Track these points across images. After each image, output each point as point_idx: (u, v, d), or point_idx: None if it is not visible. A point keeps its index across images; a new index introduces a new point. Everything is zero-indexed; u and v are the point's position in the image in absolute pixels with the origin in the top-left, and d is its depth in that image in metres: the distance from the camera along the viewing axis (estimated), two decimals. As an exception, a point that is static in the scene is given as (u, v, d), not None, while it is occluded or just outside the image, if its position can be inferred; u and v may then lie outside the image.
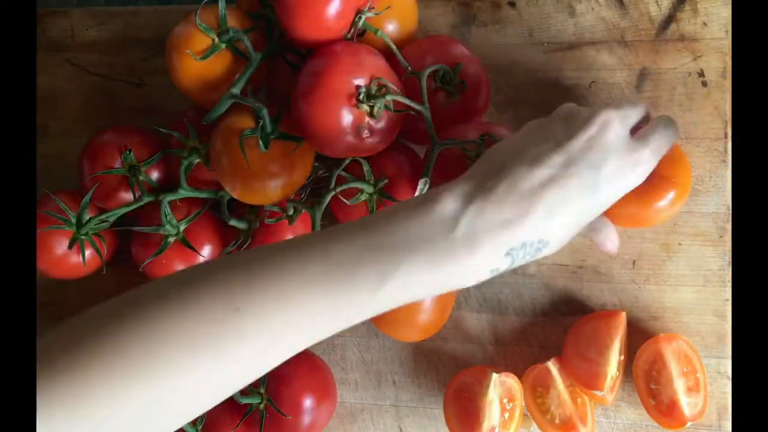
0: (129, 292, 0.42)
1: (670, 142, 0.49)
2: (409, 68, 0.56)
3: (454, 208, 0.42)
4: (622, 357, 0.57)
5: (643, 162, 0.46)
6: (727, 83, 0.57)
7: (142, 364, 0.39)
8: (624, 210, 0.52)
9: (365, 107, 0.53)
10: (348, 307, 0.42)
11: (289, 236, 0.60)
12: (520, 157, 0.44)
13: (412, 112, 0.55)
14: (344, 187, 0.57)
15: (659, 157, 0.47)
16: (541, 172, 0.43)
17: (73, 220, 0.62)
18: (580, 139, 0.45)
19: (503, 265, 0.43)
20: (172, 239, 0.61)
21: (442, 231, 0.42)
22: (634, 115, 0.49)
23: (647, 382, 0.56)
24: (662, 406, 0.55)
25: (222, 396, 0.42)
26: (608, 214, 0.53)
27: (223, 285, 0.41)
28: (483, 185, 0.43)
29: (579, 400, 0.58)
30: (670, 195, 0.53)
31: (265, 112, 0.55)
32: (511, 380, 0.58)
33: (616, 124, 0.46)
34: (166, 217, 0.60)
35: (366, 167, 0.57)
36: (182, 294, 0.41)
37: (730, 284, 0.57)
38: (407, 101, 0.54)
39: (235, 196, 0.58)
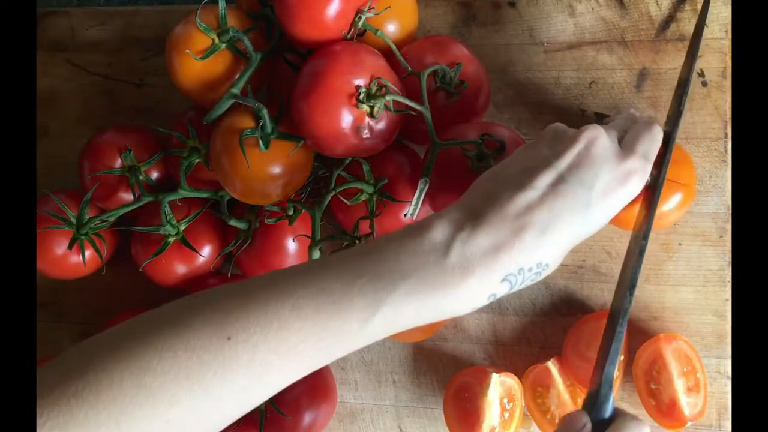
0: (127, 321, 0.43)
1: (657, 142, 0.48)
2: (409, 68, 0.56)
3: (446, 235, 0.42)
4: (622, 357, 0.57)
5: (635, 171, 0.45)
6: (727, 83, 0.57)
7: (135, 397, 0.39)
8: (630, 214, 0.52)
9: (365, 107, 0.53)
10: (339, 335, 0.42)
11: (290, 236, 0.60)
12: (508, 182, 0.44)
13: (412, 112, 0.55)
14: (344, 187, 0.57)
15: (651, 162, 0.47)
16: (528, 195, 0.43)
17: (73, 220, 0.62)
18: (569, 155, 0.45)
19: (501, 290, 0.43)
20: (172, 239, 0.61)
21: (434, 258, 0.42)
22: (620, 126, 0.49)
23: (647, 382, 0.56)
24: (662, 406, 0.56)
25: (218, 426, 0.42)
26: (615, 218, 0.53)
27: (219, 313, 0.41)
28: (473, 212, 0.43)
29: (579, 400, 0.57)
30: (677, 198, 0.53)
31: (265, 112, 0.55)
32: (511, 380, 0.58)
33: (603, 137, 0.45)
34: (166, 217, 0.60)
35: (366, 167, 0.57)
36: (178, 323, 0.41)
37: (730, 284, 0.57)
38: (407, 101, 0.54)
39: (235, 196, 0.58)
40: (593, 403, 0.44)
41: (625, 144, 0.47)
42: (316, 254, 0.55)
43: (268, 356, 0.41)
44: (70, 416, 0.38)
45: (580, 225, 0.44)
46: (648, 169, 0.46)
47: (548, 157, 0.45)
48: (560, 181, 0.44)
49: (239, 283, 0.44)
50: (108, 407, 0.38)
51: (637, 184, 0.45)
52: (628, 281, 0.47)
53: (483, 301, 0.43)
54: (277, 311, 0.41)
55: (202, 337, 0.40)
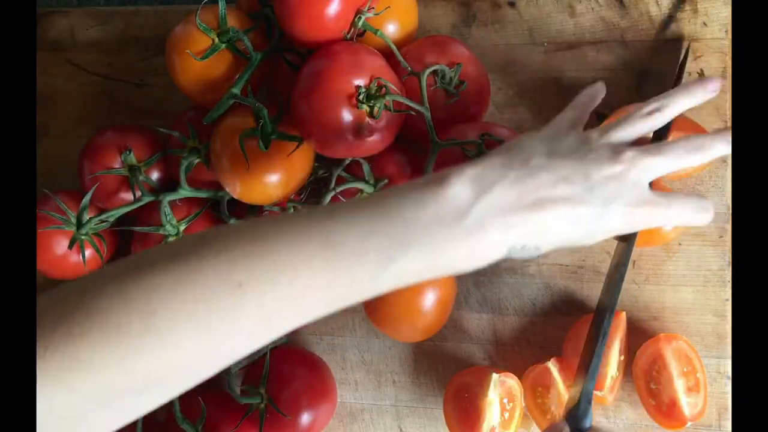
0: (135, 255, 0.42)
1: (692, 220, 0.47)
2: (409, 68, 0.56)
3: (467, 197, 0.42)
4: (622, 357, 0.57)
5: (655, 215, 0.45)
6: (727, 83, 0.57)
7: (142, 339, 0.39)
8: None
9: (365, 107, 0.53)
10: (348, 287, 0.42)
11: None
12: (539, 165, 0.44)
13: (412, 112, 0.55)
14: (344, 187, 0.57)
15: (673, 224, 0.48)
16: (562, 190, 0.43)
17: (73, 220, 0.62)
18: (605, 171, 0.44)
19: (500, 256, 0.43)
20: (172, 239, 0.61)
21: (452, 219, 0.41)
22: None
23: (647, 382, 0.56)
24: (662, 406, 0.56)
25: (220, 367, 0.42)
26: None
27: (226, 258, 0.40)
28: (497, 178, 0.43)
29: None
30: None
31: (265, 112, 0.55)
32: (511, 380, 0.58)
33: (645, 170, 0.45)
34: (166, 217, 0.60)
35: (366, 167, 0.57)
36: (186, 266, 0.40)
37: (730, 284, 0.57)
38: (407, 101, 0.54)
39: (235, 196, 0.58)
40: (573, 416, 0.49)
41: (667, 193, 0.47)
42: (316, 254, 0.55)
43: (276, 303, 0.41)
44: (75, 355, 0.38)
45: (582, 236, 0.44)
46: (669, 221, 0.47)
47: (581, 159, 0.45)
48: (589, 191, 0.43)
49: (247, 226, 0.43)
50: (116, 349, 0.38)
51: (652, 225, 0.46)
52: (609, 298, 0.50)
53: (483, 264, 0.43)
54: (287, 257, 0.41)
55: (211, 282, 0.40)
